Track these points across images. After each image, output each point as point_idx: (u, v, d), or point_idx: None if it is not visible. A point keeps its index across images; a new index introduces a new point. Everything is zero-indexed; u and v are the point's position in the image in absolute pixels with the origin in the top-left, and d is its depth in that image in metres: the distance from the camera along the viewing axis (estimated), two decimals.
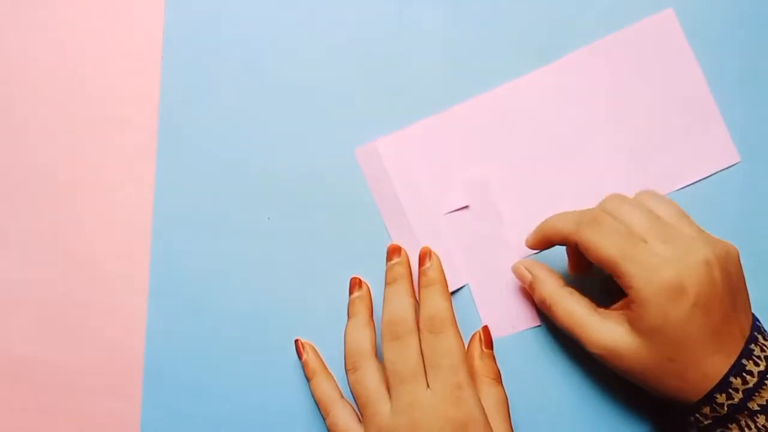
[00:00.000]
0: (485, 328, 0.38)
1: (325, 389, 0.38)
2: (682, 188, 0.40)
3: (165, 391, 0.39)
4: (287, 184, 0.40)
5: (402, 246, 0.38)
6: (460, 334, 0.35)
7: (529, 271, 0.37)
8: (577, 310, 0.35)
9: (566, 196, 0.40)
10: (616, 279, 0.33)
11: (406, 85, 0.41)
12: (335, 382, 0.39)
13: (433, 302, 0.36)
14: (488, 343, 0.38)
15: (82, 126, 0.41)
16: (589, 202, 0.37)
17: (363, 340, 0.36)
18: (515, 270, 0.38)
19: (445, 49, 0.41)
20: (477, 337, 0.38)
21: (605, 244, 0.33)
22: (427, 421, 0.33)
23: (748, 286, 0.34)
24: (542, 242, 0.37)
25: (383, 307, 0.36)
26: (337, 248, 0.40)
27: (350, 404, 0.38)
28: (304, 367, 0.39)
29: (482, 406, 0.34)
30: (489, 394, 0.35)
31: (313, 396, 0.39)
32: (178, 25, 0.41)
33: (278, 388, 0.39)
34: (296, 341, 0.39)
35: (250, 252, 0.40)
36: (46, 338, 0.40)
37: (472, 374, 0.36)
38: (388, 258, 0.38)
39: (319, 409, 0.38)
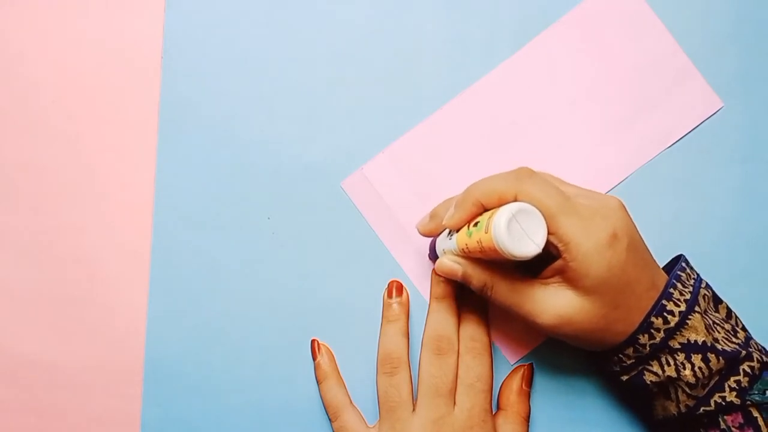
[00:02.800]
0: (530, 366, 0.38)
1: (336, 393, 0.38)
2: (675, 144, 0.40)
3: (165, 391, 0.40)
4: (287, 184, 0.40)
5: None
6: (492, 362, 0.37)
7: (457, 263, 0.35)
8: (518, 285, 0.34)
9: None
10: (549, 237, 0.32)
11: (402, 91, 0.41)
12: (346, 387, 0.39)
13: (476, 326, 0.37)
14: (529, 382, 0.38)
15: (82, 126, 0.41)
16: (586, 182, 0.38)
17: (402, 346, 0.37)
18: (443, 267, 0.35)
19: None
20: (521, 373, 0.38)
21: (544, 196, 0.32)
22: None
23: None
24: (474, 212, 0.33)
25: (429, 319, 0.37)
26: (337, 248, 0.40)
27: (359, 410, 0.38)
28: (316, 368, 0.39)
29: None
30: (515, 431, 0.37)
31: (321, 398, 0.39)
32: (178, 25, 0.41)
33: (278, 387, 0.39)
34: (313, 341, 0.39)
35: (250, 252, 0.40)
36: (47, 338, 0.40)
37: (503, 405, 0.38)
38: (435, 273, 0.38)
39: (326, 411, 0.39)
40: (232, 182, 0.40)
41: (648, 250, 0.34)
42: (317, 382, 0.39)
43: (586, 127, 0.40)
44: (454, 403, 0.36)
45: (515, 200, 0.32)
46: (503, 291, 0.34)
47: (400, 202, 0.40)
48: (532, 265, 0.34)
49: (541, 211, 0.31)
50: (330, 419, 0.38)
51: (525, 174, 0.33)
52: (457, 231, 0.34)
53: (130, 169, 0.41)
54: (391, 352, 0.37)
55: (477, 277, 0.34)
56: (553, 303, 0.33)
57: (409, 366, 0.37)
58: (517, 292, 0.34)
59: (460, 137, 0.40)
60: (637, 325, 0.33)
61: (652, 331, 0.32)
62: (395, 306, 0.38)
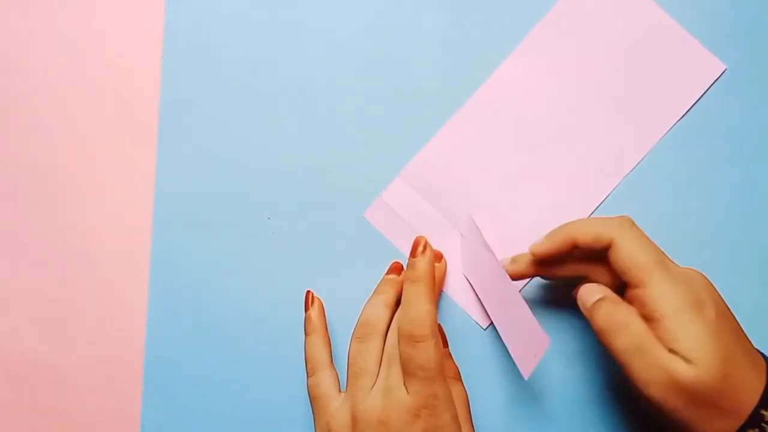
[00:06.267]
0: (440, 327, 0.38)
1: (319, 350, 0.37)
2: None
3: (165, 391, 0.40)
4: (287, 184, 0.40)
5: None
6: (440, 341, 0.34)
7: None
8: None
9: (579, 179, 0.40)
10: (632, 289, 0.32)
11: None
12: (330, 346, 0.38)
13: (416, 306, 0.34)
14: (444, 342, 0.38)
15: (82, 125, 0.41)
16: (595, 180, 0.39)
17: (381, 317, 0.36)
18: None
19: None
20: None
21: (641, 248, 0.32)
22: (396, 415, 0.33)
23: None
24: (564, 246, 0.34)
25: (402, 303, 0.35)
26: (337, 247, 0.40)
27: (336, 372, 0.37)
28: (306, 320, 0.38)
29: (457, 416, 0.33)
30: (453, 393, 0.35)
31: (304, 351, 0.38)
32: (178, 25, 0.41)
33: (278, 386, 0.39)
34: (308, 292, 0.39)
35: (250, 252, 0.40)
36: (47, 338, 0.40)
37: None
38: (413, 252, 0.36)
39: (305, 365, 0.37)
40: (232, 182, 0.40)
41: (742, 329, 0.32)
42: (305, 335, 0.38)
43: (595, 115, 0.40)
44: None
45: (610, 245, 0.33)
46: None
47: (423, 220, 0.40)
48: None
49: (635, 263, 0.31)
50: (307, 374, 0.37)
51: (627, 223, 0.33)
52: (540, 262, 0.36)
53: (130, 169, 0.41)
54: (370, 319, 0.36)
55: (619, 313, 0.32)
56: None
57: (384, 338, 0.36)
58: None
59: (471, 146, 0.40)
60: (746, 416, 0.29)
61: (764, 425, 0.29)
62: (388, 280, 0.38)
